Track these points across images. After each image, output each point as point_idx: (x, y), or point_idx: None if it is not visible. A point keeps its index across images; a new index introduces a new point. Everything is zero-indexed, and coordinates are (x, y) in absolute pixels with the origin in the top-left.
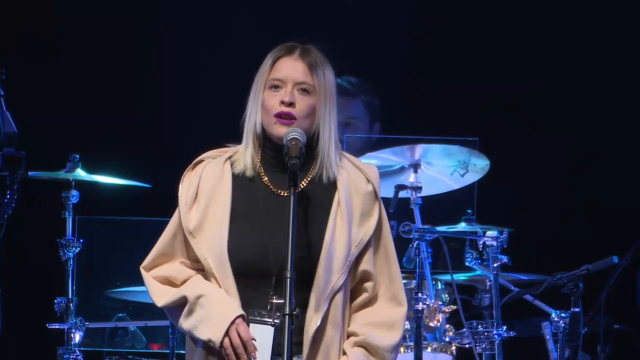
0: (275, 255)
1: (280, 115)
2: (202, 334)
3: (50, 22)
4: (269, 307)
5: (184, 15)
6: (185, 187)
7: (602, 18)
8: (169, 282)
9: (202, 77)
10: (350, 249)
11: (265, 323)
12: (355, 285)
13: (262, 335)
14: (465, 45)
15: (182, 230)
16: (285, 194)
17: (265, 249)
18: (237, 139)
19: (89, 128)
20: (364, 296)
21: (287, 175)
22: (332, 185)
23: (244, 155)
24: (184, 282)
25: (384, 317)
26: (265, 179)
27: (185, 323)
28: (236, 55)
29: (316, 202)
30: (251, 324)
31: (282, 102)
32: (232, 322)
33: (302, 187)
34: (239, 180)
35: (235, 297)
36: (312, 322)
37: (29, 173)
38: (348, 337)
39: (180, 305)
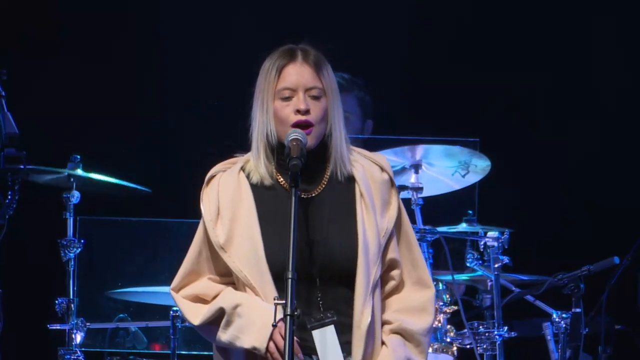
0: (313, 258)
1: (298, 125)
2: (245, 342)
3: (50, 23)
4: (321, 309)
5: (184, 16)
6: (207, 204)
7: (602, 18)
8: (200, 299)
9: (202, 77)
10: (380, 240)
11: (324, 325)
12: (383, 275)
13: (326, 338)
14: (465, 45)
15: (206, 247)
16: (307, 196)
17: (300, 252)
18: (237, 138)
19: (89, 128)
20: (391, 284)
21: (305, 178)
22: (350, 180)
23: (256, 166)
24: (215, 297)
25: (414, 302)
26: (283, 182)
27: (224, 335)
28: (236, 55)
29: (340, 199)
30: (312, 332)
31: (298, 111)
32: (275, 326)
33: (322, 187)
34: (258, 190)
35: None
36: (364, 317)
37: (30, 173)
38: (382, 325)
39: (216, 320)
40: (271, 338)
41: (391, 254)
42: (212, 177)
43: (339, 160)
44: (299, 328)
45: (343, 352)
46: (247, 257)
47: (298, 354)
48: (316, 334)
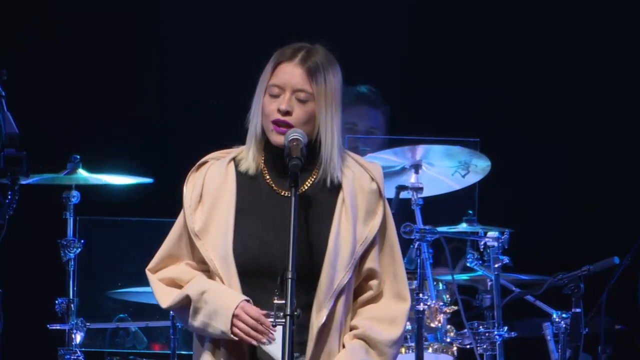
0: (280, 255)
1: (277, 123)
2: (215, 329)
3: (50, 23)
4: (274, 307)
5: (184, 15)
6: (190, 189)
7: (602, 18)
8: (175, 283)
9: (202, 77)
10: (355, 247)
11: (276, 324)
12: (360, 283)
13: (278, 335)
14: (465, 45)
15: (187, 232)
16: (286, 194)
17: (269, 249)
18: (237, 138)
19: (90, 129)
20: (369, 293)
21: (288, 176)
22: (336, 186)
23: (247, 154)
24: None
25: (387, 313)
26: (268, 178)
27: (195, 322)
28: (236, 55)
29: (319, 203)
30: None
31: (279, 110)
32: (237, 307)
33: (304, 188)
34: (242, 179)
35: None
36: (317, 320)
37: (30, 174)
38: (350, 330)
39: (186, 306)
40: (235, 317)
41: (370, 264)
42: (203, 163)
43: (329, 167)
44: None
45: (296, 351)
46: (218, 248)
47: (269, 328)
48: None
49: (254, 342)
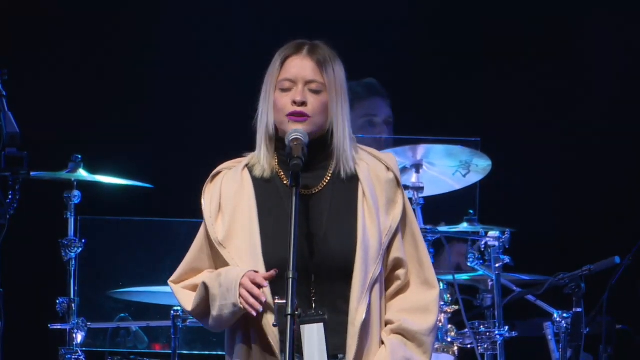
0: (309, 254)
1: (293, 115)
2: (228, 307)
3: (52, 23)
4: (313, 305)
5: (183, 15)
6: (208, 200)
7: (603, 19)
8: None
9: (203, 77)
10: (382, 238)
11: (314, 321)
12: (389, 274)
13: (314, 334)
14: (466, 45)
15: (208, 243)
16: (306, 193)
17: (299, 247)
18: (238, 139)
19: (91, 128)
20: (397, 284)
21: (306, 174)
22: (354, 178)
23: (260, 157)
24: None
25: (418, 302)
26: (284, 178)
27: (215, 311)
28: (236, 55)
29: (341, 197)
30: (301, 326)
31: (295, 102)
32: (243, 276)
33: (323, 184)
34: (259, 183)
35: (271, 302)
36: (358, 314)
37: (31, 173)
38: (386, 325)
39: (205, 301)
40: (241, 287)
41: (396, 253)
42: (218, 173)
43: (342, 158)
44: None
45: (337, 351)
46: (245, 254)
47: (261, 297)
48: (304, 329)
49: (253, 312)
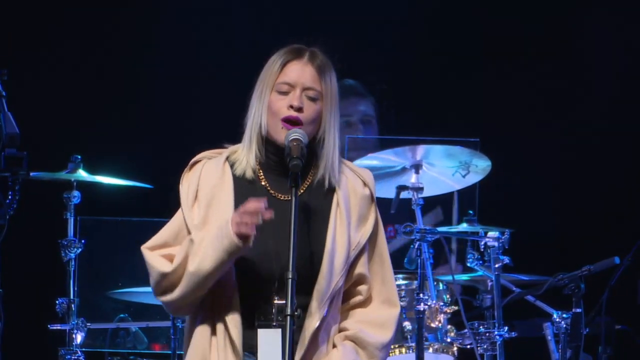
0: (277, 259)
1: (287, 120)
2: (223, 247)
3: (51, 23)
4: (273, 309)
5: (183, 15)
6: (185, 187)
7: (603, 20)
8: (172, 259)
9: (202, 77)
10: (349, 252)
11: (271, 326)
12: (349, 288)
13: (269, 339)
14: (465, 46)
15: (185, 227)
16: (285, 198)
17: (267, 253)
18: (237, 138)
19: (90, 128)
20: (357, 298)
21: (286, 179)
22: (331, 189)
23: (246, 155)
24: None
25: (377, 317)
26: (264, 182)
27: (191, 266)
28: (235, 55)
29: (315, 206)
30: (259, 330)
31: (291, 107)
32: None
33: (302, 191)
34: (239, 183)
35: (237, 302)
36: (312, 323)
37: (31, 174)
38: (339, 332)
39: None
40: (235, 222)
41: (360, 269)
42: (197, 162)
43: (329, 168)
44: (249, 327)
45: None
46: None
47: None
48: (261, 333)
49: (253, 231)
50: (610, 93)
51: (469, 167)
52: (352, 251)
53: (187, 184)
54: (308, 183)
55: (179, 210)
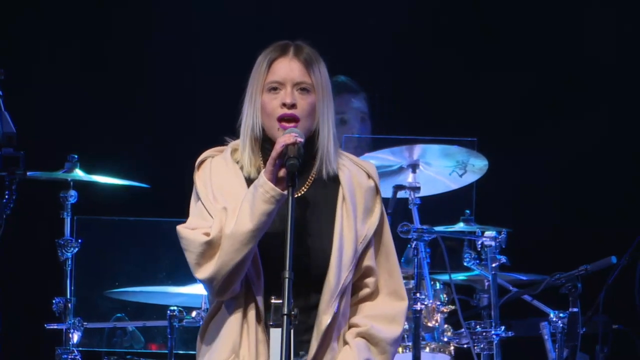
0: (282, 259)
1: (283, 119)
2: (256, 204)
3: (48, 22)
4: (272, 307)
5: (182, 15)
6: (201, 186)
7: (600, 20)
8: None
9: (200, 76)
10: (357, 245)
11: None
12: (357, 281)
13: (280, 337)
14: (464, 45)
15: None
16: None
17: (275, 249)
18: (234, 136)
19: (87, 128)
20: (365, 291)
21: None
22: (335, 182)
23: (248, 157)
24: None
25: (386, 311)
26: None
27: (228, 229)
28: (232, 56)
29: (321, 202)
30: (271, 329)
31: (284, 104)
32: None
33: (305, 188)
34: (249, 181)
35: (261, 300)
36: (324, 319)
37: (28, 173)
38: (349, 328)
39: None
40: (268, 170)
41: (367, 262)
42: (202, 161)
43: (325, 158)
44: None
45: (300, 349)
46: None
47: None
48: (273, 332)
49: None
50: (609, 92)
51: (466, 166)
52: (360, 244)
53: (201, 182)
54: (312, 178)
55: (197, 203)
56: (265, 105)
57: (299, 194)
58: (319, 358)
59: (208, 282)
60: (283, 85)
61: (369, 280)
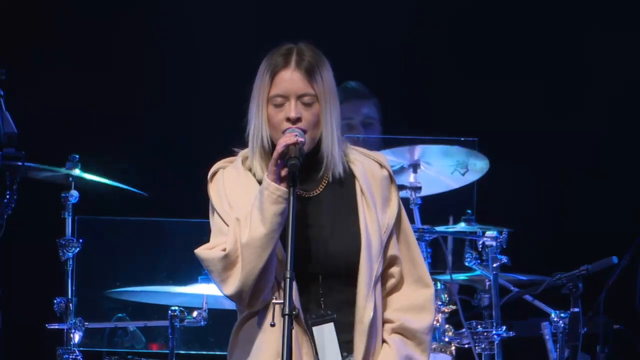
0: (316, 257)
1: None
2: (264, 207)
3: (49, 22)
4: (322, 306)
5: (183, 16)
6: (216, 198)
7: (602, 18)
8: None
9: (200, 78)
10: (382, 235)
11: (324, 322)
12: (383, 272)
13: (324, 335)
14: (464, 45)
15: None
16: (308, 195)
17: (303, 250)
18: (235, 140)
19: (88, 128)
20: (391, 282)
21: (304, 177)
22: (351, 178)
23: (258, 164)
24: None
25: (414, 300)
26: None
27: (244, 238)
28: (236, 59)
29: (341, 197)
30: (313, 327)
31: (289, 119)
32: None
33: (322, 187)
34: None
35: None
36: (366, 313)
37: (29, 173)
38: (383, 324)
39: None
40: (273, 172)
41: (392, 251)
42: (215, 173)
43: (330, 163)
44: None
45: (343, 350)
46: None
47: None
48: (315, 330)
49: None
50: (609, 92)
51: (467, 166)
52: (384, 234)
53: (215, 193)
54: (327, 179)
55: (214, 216)
56: (270, 118)
57: (315, 194)
58: (367, 355)
59: (237, 295)
60: (286, 99)
61: (394, 270)
